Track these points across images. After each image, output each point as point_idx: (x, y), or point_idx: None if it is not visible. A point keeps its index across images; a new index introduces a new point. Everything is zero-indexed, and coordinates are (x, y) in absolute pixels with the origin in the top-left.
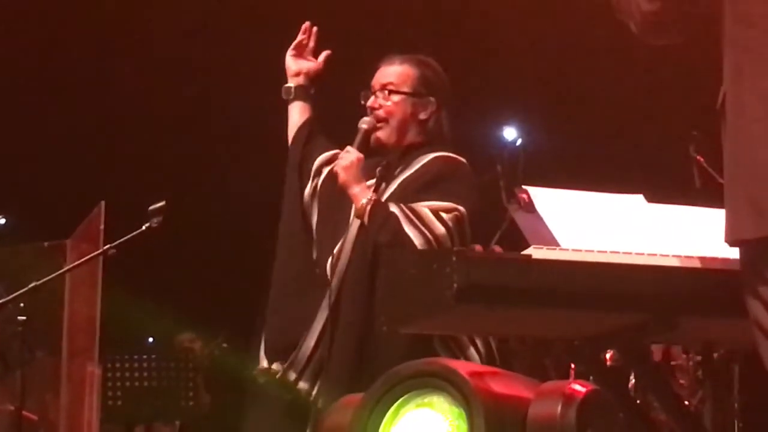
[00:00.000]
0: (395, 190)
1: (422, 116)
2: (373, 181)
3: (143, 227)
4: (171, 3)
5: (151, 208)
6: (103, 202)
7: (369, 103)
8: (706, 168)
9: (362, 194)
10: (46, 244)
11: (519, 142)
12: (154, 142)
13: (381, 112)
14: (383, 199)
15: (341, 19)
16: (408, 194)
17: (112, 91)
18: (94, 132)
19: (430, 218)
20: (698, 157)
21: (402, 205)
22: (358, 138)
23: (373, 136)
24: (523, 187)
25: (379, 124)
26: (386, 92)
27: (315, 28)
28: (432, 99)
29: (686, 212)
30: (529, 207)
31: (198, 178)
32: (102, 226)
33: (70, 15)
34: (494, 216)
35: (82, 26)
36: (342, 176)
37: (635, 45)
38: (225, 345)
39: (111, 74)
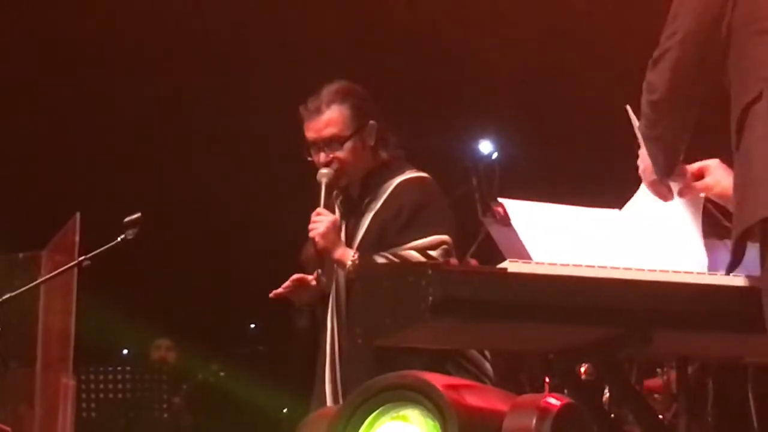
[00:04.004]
0: (369, 228)
1: (370, 142)
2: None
3: (118, 239)
4: (151, 11)
5: (126, 219)
6: (78, 214)
7: (321, 159)
8: None
9: (346, 255)
10: (20, 255)
11: (495, 155)
12: (130, 153)
13: (336, 165)
14: (359, 237)
15: (319, 37)
16: (388, 237)
17: (89, 102)
18: (70, 142)
19: (420, 261)
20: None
21: (388, 254)
22: (323, 194)
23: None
24: (499, 200)
25: (337, 174)
26: (334, 144)
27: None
28: (371, 122)
29: (662, 226)
30: (505, 220)
31: (174, 189)
32: (77, 238)
33: (44, 24)
34: (469, 229)
35: (57, 34)
36: (321, 243)
37: (611, 57)
38: (222, 373)
39: (87, 84)
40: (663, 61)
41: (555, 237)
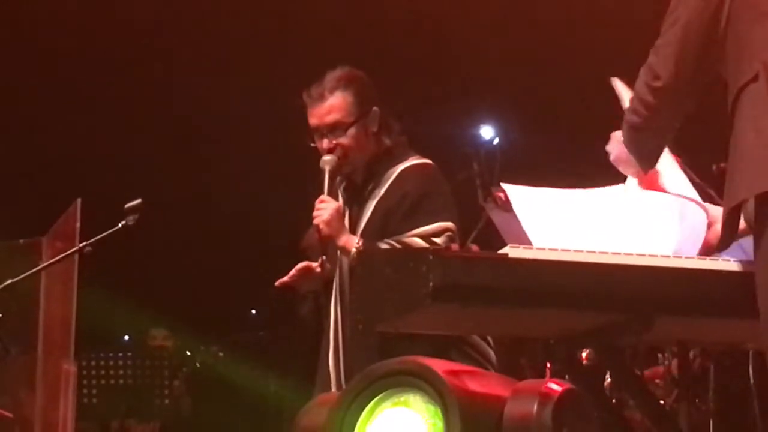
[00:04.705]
0: (372, 215)
1: (374, 129)
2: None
3: (119, 225)
4: (150, 4)
5: (127, 206)
6: (79, 200)
7: (324, 145)
8: (682, 168)
9: (350, 242)
10: (21, 241)
11: (496, 140)
12: (131, 140)
13: (339, 151)
14: (362, 224)
15: (320, 24)
16: (392, 224)
17: (90, 88)
18: (71, 129)
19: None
20: (675, 157)
21: (392, 241)
22: (327, 181)
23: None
24: (501, 185)
25: (341, 160)
26: (337, 131)
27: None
28: (375, 109)
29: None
30: (506, 206)
31: (175, 175)
32: (78, 224)
33: (44, 10)
34: (470, 215)
35: (58, 21)
36: (325, 231)
37: (612, 43)
38: (221, 354)
39: (88, 71)
40: (666, 48)
41: (556, 222)
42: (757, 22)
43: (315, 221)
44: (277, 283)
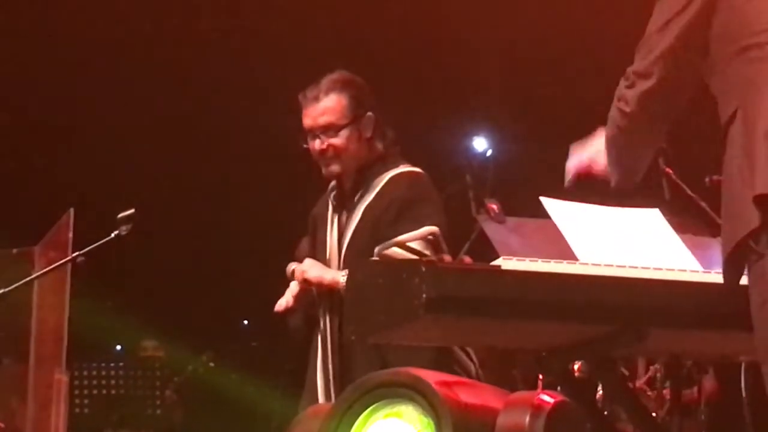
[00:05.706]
0: (361, 220)
1: (367, 134)
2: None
3: (112, 235)
4: (145, 8)
5: (120, 215)
6: (72, 209)
7: (316, 146)
8: (675, 180)
9: (337, 277)
10: (14, 250)
11: (489, 152)
12: (124, 150)
13: (331, 152)
14: (351, 229)
15: (314, 34)
16: (380, 231)
17: (82, 98)
18: (64, 138)
19: (403, 256)
20: (667, 170)
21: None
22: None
23: (327, 172)
24: (540, 198)
25: (331, 161)
26: (330, 132)
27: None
28: (369, 114)
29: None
30: (499, 217)
31: (168, 185)
32: (71, 234)
33: (39, 21)
34: (463, 227)
35: (50, 31)
36: (312, 279)
37: (604, 55)
38: (212, 364)
39: (81, 80)
40: (637, 85)
41: (599, 237)
42: (735, 57)
43: (300, 281)
44: (276, 309)
